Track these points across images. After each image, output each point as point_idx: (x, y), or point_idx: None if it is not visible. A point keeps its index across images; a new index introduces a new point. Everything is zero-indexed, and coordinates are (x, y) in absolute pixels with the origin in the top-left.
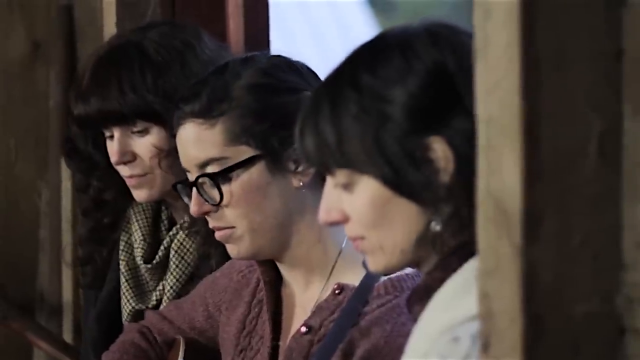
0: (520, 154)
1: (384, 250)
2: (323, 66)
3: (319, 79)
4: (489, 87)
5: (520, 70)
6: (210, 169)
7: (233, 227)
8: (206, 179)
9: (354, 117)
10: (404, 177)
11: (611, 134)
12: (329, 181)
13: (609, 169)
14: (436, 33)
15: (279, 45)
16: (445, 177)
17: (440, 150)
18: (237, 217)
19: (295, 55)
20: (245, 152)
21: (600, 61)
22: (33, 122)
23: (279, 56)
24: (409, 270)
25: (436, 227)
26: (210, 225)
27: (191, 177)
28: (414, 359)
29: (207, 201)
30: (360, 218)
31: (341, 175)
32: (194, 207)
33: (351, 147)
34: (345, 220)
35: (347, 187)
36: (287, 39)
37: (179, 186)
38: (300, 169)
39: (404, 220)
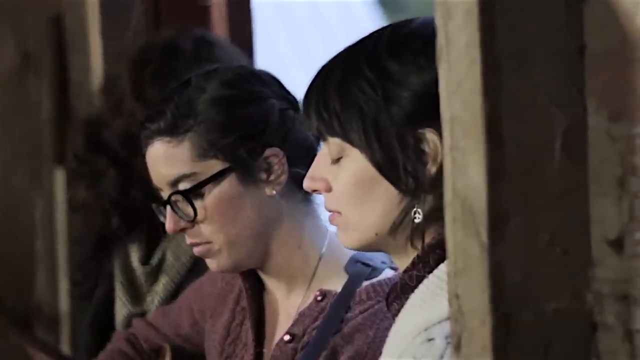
0: (484, 154)
1: (358, 229)
2: None
3: (283, 87)
4: (452, 87)
5: (482, 70)
6: (182, 186)
7: (210, 242)
8: (179, 196)
9: (362, 91)
10: (393, 161)
11: (576, 130)
12: (322, 149)
13: (574, 165)
14: None
15: (288, 45)
16: (432, 169)
17: (432, 142)
18: (213, 232)
19: (303, 55)
20: (215, 166)
21: (563, 58)
22: (26, 134)
23: (242, 67)
24: (390, 274)
25: (417, 217)
26: (188, 242)
27: (164, 195)
28: (391, 358)
29: (182, 218)
30: (341, 192)
31: (334, 145)
32: (169, 225)
33: (350, 119)
34: (327, 190)
35: (337, 158)
36: (296, 39)
37: (153, 205)
38: (272, 177)
39: (384, 204)
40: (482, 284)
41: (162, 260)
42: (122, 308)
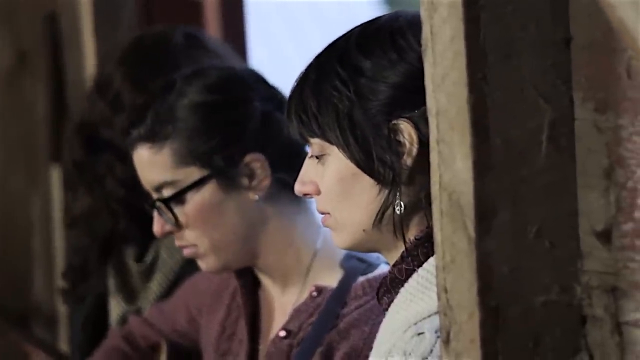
0: (470, 146)
1: (345, 227)
2: None
3: (271, 88)
4: (437, 80)
5: (467, 63)
6: (165, 192)
7: (195, 246)
8: (162, 203)
9: (334, 88)
10: (369, 154)
11: (562, 121)
12: (309, 153)
13: (561, 157)
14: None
15: (289, 45)
16: (408, 160)
17: (407, 132)
18: (196, 237)
19: (305, 56)
20: (194, 173)
21: (548, 49)
22: (22, 133)
23: (228, 69)
24: (386, 269)
25: (397, 209)
26: (176, 244)
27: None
28: (380, 354)
29: (167, 222)
30: (327, 192)
31: (316, 146)
32: (156, 228)
33: (327, 119)
34: (317, 193)
35: (320, 159)
36: (298, 39)
37: (145, 206)
38: (254, 183)
39: (366, 198)
40: (470, 278)
41: (156, 258)
42: (116, 306)
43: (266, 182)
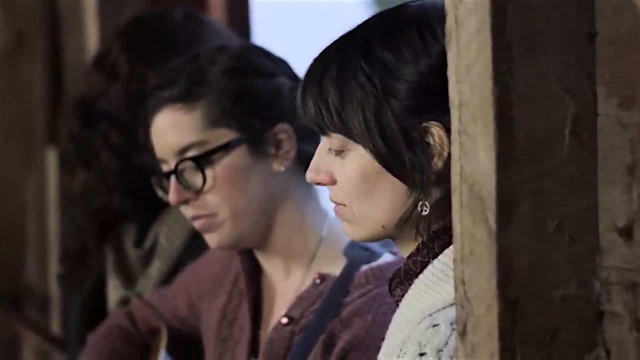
0: (493, 139)
1: (363, 222)
2: None
3: (290, 67)
4: (461, 71)
5: (492, 55)
6: (189, 154)
7: (214, 215)
8: (186, 165)
9: (360, 85)
10: (398, 156)
11: (585, 116)
12: (323, 142)
13: (583, 152)
14: None
15: (280, 44)
16: (438, 162)
17: (437, 136)
18: (219, 203)
19: (296, 56)
20: (226, 135)
21: (573, 44)
22: (18, 114)
23: (250, 44)
24: (389, 258)
25: (424, 210)
26: (190, 215)
27: (167, 166)
28: (394, 345)
29: (187, 189)
30: (346, 185)
31: (336, 140)
32: (173, 195)
33: (351, 116)
34: (331, 183)
35: (340, 152)
36: (288, 39)
37: (152, 179)
38: (281, 152)
39: (390, 198)
40: (490, 270)
41: (154, 244)
42: (114, 291)
43: (292, 154)
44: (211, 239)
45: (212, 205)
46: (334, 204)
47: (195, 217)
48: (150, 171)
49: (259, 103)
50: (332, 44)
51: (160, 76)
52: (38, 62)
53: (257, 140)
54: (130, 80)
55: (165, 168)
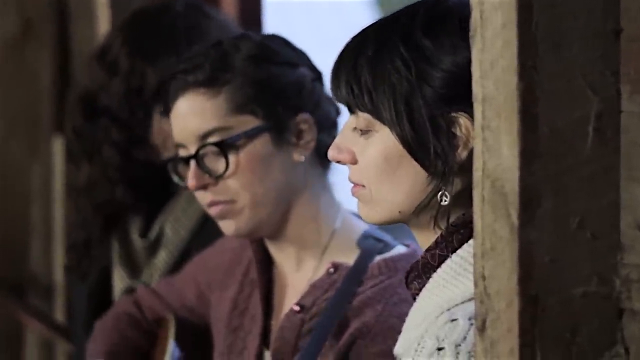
0: (517, 134)
1: (380, 204)
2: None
3: (310, 59)
4: (485, 67)
5: (517, 51)
6: (211, 140)
7: (233, 201)
8: (208, 150)
9: (395, 68)
10: (423, 142)
11: (609, 113)
12: (349, 121)
13: (606, 149)
14: None
15: None
16: (462, 153)
17: (464, 127)
18: (239, 189)
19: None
20: (250, 122)
21: (598, 41)
22: (25, 102)
23: (272, 34)
24: (403, 250)
25: (444, 200)
26: (207, 201)
27: (186, 151)
28: (411, 339)
29: (207, 173)
30: (368, 166)
31: (363, 119)
32: (192, 180)
33: (381, 97)
34: (352, 162)
35: (365, 132)
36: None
37: (169, 165)
38: (302, 142)
39: (411, 184)
40: (511, 266)
41: (160, 234)
42: (119, 280)
43: (312, 144)
44: (228, 226)
45: (232, 191)
46: (352, 184)
47: (213, 203)
48: (152, 165)
49: (282, 91)
50: (370, 26)
51: (184, 60)
52: (46, 51)
53: (280, 129)
54: (130, 76)
55: (183, 153)
